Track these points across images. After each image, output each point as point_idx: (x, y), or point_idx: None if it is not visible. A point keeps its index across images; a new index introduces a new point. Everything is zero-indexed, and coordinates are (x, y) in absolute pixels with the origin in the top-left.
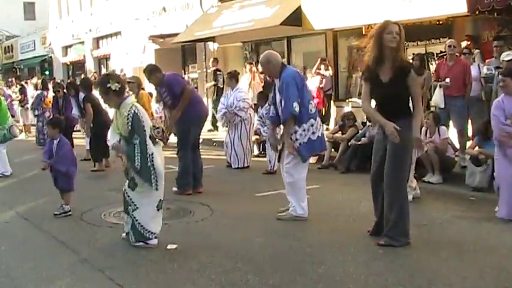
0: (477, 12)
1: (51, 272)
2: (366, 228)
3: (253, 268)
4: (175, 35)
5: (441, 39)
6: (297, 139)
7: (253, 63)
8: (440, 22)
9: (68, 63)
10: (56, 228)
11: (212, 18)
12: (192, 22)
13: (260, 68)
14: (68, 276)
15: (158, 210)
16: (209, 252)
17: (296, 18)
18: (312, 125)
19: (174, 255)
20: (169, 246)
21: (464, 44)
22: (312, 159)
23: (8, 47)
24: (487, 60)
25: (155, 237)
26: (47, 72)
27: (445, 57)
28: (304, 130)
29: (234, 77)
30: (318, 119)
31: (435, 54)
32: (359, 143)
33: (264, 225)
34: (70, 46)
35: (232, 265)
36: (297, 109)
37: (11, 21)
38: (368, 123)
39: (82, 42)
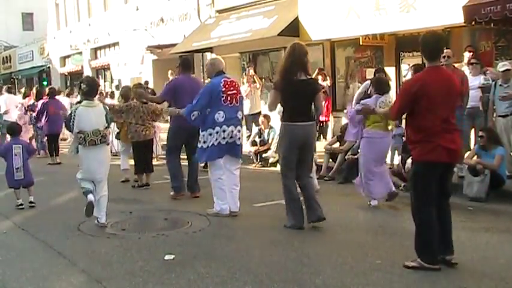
0: (473, 23)
1: (49, 282)
2: (364, 239)
3: (251, 278)
4: (173, 45)
5: None
6: (199, 141)
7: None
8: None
9: (66, 74)
10: (53, 238)
11: (210, 28)
12: (189, 33)
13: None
14: (65, 287)
15: None
16: (207, 262)
17: (294, 28)
18: (217, 132)
19: (171, 266)
20: (166, 257)
21: (467, 54)
22: None
23: (6, 57)
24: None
25: None
26: (44, 83)
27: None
28: (203, 136)
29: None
30: (227, 128)
31: None
32: (355, 156)
33: (261, 235)
34: (68, 56)
35: (230, 276)
36: (193, 117)
37: (9, 32)
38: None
39: (80, 53)
